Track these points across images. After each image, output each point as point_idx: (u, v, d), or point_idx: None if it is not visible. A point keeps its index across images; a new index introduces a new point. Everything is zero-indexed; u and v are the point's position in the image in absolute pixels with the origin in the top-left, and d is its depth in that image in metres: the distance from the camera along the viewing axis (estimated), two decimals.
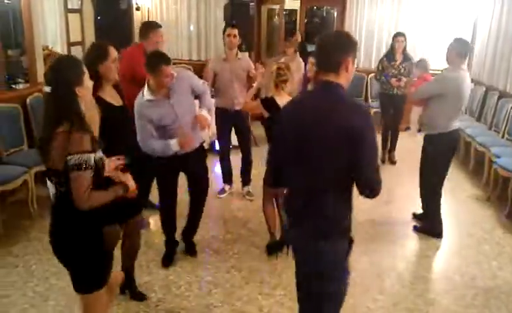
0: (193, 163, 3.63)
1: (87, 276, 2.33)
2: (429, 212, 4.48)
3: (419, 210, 4.65)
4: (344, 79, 2.08)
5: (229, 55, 4.95)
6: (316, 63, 2.23)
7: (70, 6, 6.48)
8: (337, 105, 2.05)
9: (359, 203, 4.77)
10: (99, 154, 2.21)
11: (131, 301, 3.33)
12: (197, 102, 3.70)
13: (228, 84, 4.90)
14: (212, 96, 4.57)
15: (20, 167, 4.48)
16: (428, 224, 4.48)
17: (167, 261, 3.80)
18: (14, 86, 5.68)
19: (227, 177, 5.23)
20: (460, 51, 4.15)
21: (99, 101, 2.83)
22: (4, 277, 3.59)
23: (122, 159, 2.53)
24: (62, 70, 2.16)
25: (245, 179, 5.18)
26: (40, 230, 4.34)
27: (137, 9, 8.42)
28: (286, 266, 3.83)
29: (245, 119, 5.11)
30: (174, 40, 8.87)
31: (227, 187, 5.23)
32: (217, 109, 4.96)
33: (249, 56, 8.29)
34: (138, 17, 8.49)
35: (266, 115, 3.70)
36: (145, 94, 3.35)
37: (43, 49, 6.03)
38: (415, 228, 4.58)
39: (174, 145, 3.38)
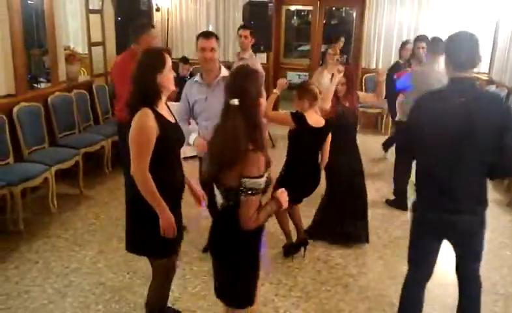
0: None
1: (243, 289, 2.29)
2: (398, 190, 5.05)
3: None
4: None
5: (241, 54, 5.27)
6: (457, 61, 2.40)
7: (91, 7, 6.57)
8: (484, 98, 2.42)
9: (375, 208, 4.72)
10: (268, 173, 2.14)
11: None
12: None
13: None
14: None
15: (41, 165, 4.56)
16: (398, 200, 5.04)
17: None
18: (36, 85, 5.77)
19: None
20: (433, 49, 4.56)
21: (157, 117, 2.44)
22: (24, 273, 3.66)
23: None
24: (249, 81, 2.06)
25: None
26: (60, 227, 4.41)
27: (157, 10, 8.50)
28: (302, 268, 3.83)
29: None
30: (193, 41, 8.91)
31: None
32: None
33: (267, 57, 8.32)
34: (158, 18, 8.56)
35: (293, 126, 3.65)
36: (197, 77, 3.54)
37: (65, 49, 6.13)
38: (386, 201, 5.17)
39: (192, 138, 3.33)
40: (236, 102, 2.00)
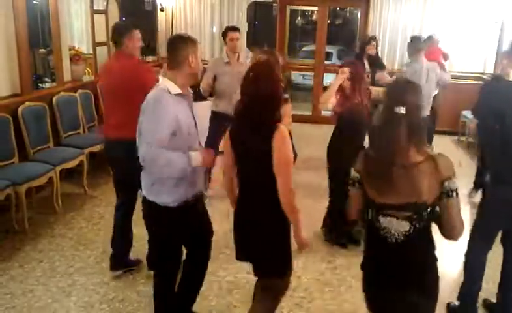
0: (202, 208, 2.90)
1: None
2: None
3: None
4: None
5: (232, 59, 4.90)
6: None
7: (95, 7, 6.60)
8: None
9: None
10: None
11: (152, 299, 3.36)
12: None
13: (229, 89, 4.72)
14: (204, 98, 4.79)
15: (46, 164, 4.58)
16: None
17: None
18: (40, 85, 5.79)
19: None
20: (418, 46, 4.96)
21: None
22: (28, 272, 3.67)
23: None
24: (416, 92, 2.02)
25: None
26: (64, 226, 4.43)
27: (161, 10, 8.52)
28: (305, 268, 3.82)
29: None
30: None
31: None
32: (214, 113, 4.95)
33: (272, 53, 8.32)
34: (162, 19, 8.58)
35: None
36: (171, 89, 2.52)
37: (70, 49, 6.15)
38: None
39: (195, 157, 2.53)
40: (402, 110, 1.91)
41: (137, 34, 3.49)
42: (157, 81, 2.67)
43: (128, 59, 3.44)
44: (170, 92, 2.50)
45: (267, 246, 2.47)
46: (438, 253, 2.11)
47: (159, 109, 2.45)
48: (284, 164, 2.29)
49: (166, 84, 2.53)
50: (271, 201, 2.34)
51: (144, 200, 2.68)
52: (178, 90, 2.53)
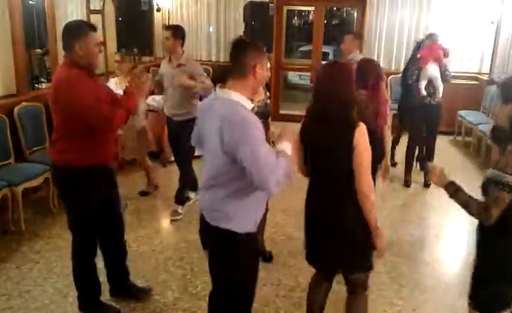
0: None
1: None
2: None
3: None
4: None
5: (172, 59, 4.55)
6: None
7: (92, 7, 6.58)
8: None
9: (379, 208, 4.69)
10: None
11: (149, 300, 3.36)
12: None
13: (167, 91, 4.57)
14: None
15: (42, 165, 4.56)
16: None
17: None
18: (37, 85, 5.78)
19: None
20: (359, 41, 5.36)
21: None
22: (25, 273, 3.66)
23: None
24: None
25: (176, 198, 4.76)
26: (61, 227, 4.40)
27: (158, 10, 8.51)
28: (302, 268, 3.82)
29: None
30: (194, 41, 8.92)
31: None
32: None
33: (268, 58, 8.32)
34: (158, 19, 8.57)
35: None
36: (245, 104, 2.18)
37: None
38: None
39: (287, 148, 2.22)
40: None
41: (95, 38, 2.84)
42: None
43: (69, 70, 2.79)
44: (245, 107, 2.16)
45: (355, 239, 2.46)
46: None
47: (252, 128, 2.06)
48: (363, 163, 2.33)
49: (236, 98, 2.15)
50: (353, 198, 2.37)
51: (212, 231, 2.33)
52: (250, 104, 2.21)
